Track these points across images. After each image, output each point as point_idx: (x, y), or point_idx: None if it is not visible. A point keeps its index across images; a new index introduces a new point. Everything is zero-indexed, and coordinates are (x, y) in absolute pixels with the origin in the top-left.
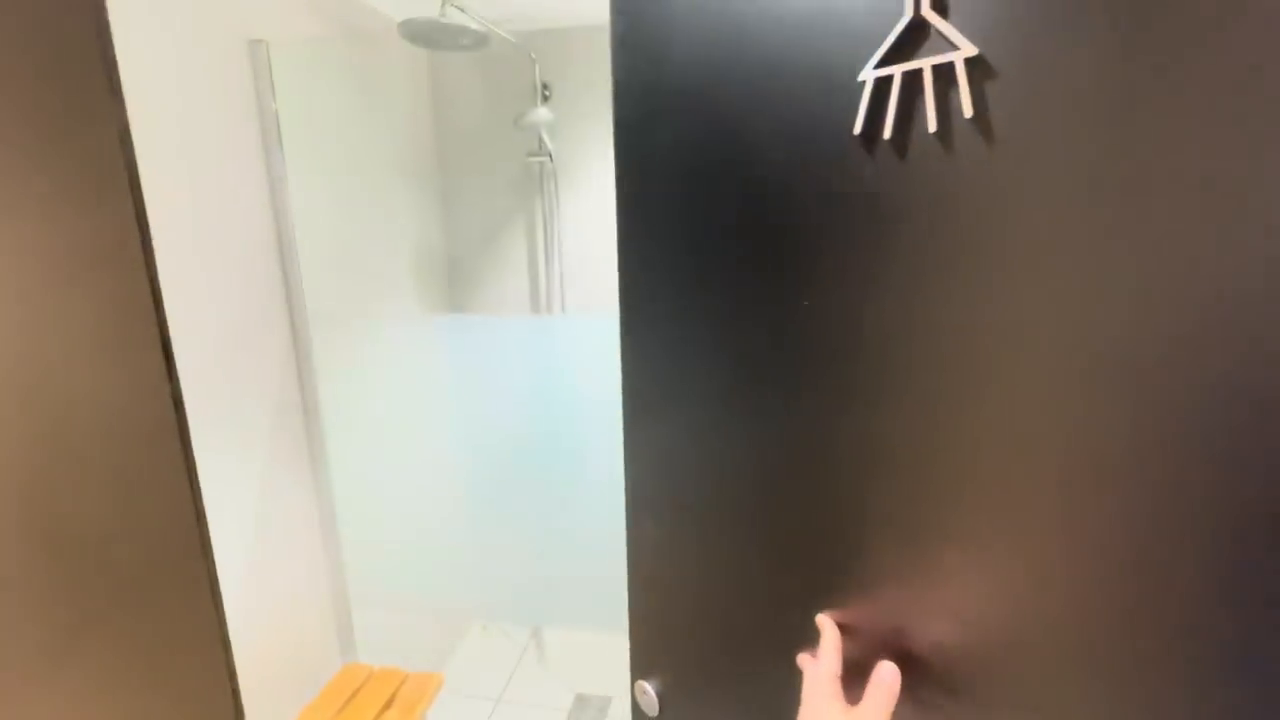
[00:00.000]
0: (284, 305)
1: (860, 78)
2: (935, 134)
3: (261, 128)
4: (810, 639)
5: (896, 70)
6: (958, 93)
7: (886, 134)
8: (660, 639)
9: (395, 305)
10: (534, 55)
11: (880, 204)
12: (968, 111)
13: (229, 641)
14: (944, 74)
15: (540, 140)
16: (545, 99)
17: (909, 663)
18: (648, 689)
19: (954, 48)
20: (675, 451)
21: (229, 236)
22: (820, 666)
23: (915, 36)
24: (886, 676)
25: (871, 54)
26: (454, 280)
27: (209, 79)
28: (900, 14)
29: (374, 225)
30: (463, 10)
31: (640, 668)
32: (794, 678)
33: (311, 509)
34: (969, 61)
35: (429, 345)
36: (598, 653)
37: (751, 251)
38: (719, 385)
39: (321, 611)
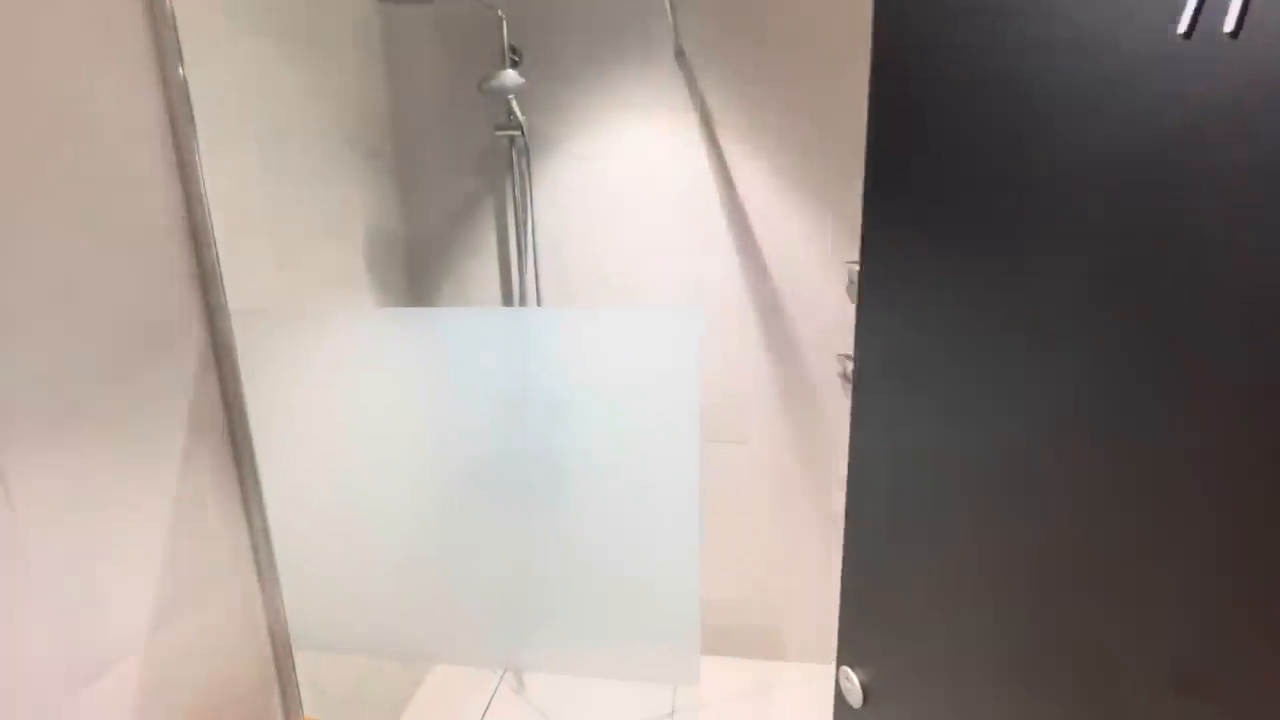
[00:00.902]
0: (199, 302)
1: None
2: None
3: (166, 99)
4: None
5: None
6: None
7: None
8: (872, 629)
9: (345, 298)
10: (502, 13)
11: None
12: None
13: None
14: None
15: (510, 111)
16: (515, 64)
17: None
18: (852, 676)
19: None
20: (913, 433)
21: (126, 227)
22: None
23: None
24: None
25: None
26: (414, 269)
27: (95, 43)
28: None
29: (317, 208)
30: None
31: (847, 654)
32: (1016, 690)
33: (240, 540)
34: None
35: (384, 343)
36: (583, 698)
37: (1049, 197)
38: (978, 365)
39: (256, 661)
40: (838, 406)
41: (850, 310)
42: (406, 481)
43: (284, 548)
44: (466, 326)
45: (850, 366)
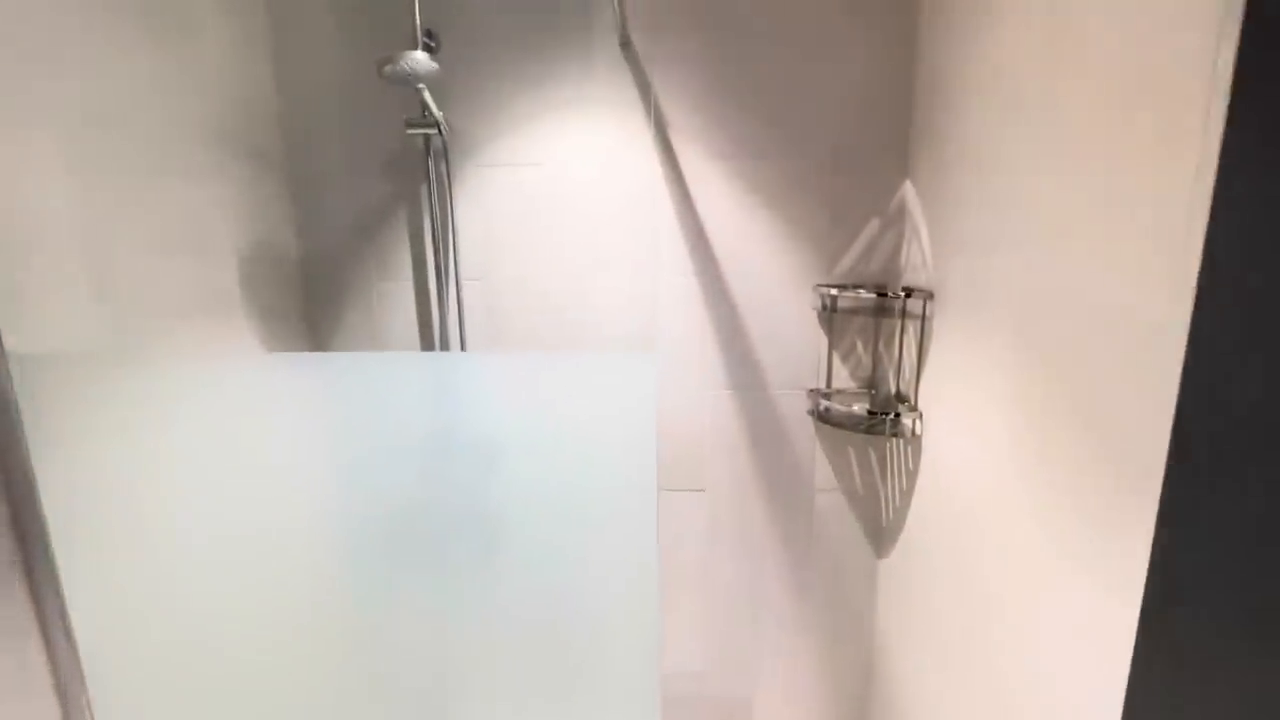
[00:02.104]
0: None
1: None
2: None
3: None
4: None
5: None
6: None
7: None
8: None
9: (211, 334)
10: None
11: None
12: None
13: None
14: None
15: (424, 105)
16: (431, 49)
17: None
18: None
19: None
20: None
21: None
22: None
23: None
24: None
25: None
26: (311, 294)
27: None
28: None
29: (165, 216)
30: None
31: None
32: None
33: (32, 672)
34: None
35: (263, 396)
36: None
37: None
38: None
39: None
40: (806, 448)
41: (821, 339)
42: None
43: (103, 675)
44: (369, 374)
45: (823, 403)
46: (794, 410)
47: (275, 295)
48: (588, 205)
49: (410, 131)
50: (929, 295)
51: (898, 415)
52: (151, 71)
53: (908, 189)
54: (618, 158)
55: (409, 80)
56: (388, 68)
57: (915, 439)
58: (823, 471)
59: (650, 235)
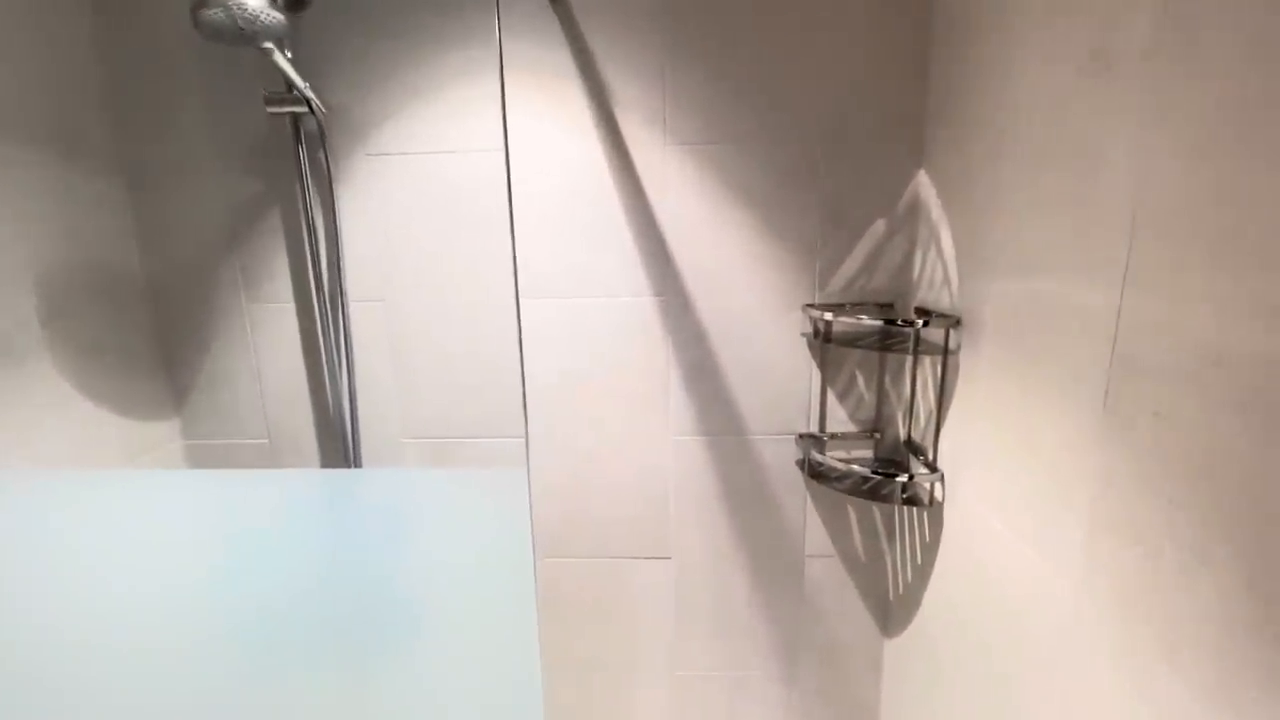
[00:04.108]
0: None
1: None
2: None
3: None
4: None
5: None
6: None
7: None
8: None
9: (16, 397)
10: None
11: None
12: None
13: None
14: None
15: (284, 76)
16: (296, 4)
17: None
18: None
19: None
20: None
21: None
22: None
23: None
24: None
25: None
26: (164, 332)
27: None
28: None
29: None
30: None
31: None
32: None
33: None
34: None
35: (116, 512)
36: None
37: None
38: None
39: None
40: (795, 504)
41: (812, 373)
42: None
43: None
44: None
45: (815, 454)
46: (779, 460)
47: (110, 331)
48: (512, 202)
49: (272, 111)
50: (953, 322)
51: (911, 477)
52: None
53: (921, 181)
54: (549, 141)
55: (243, 36)
56: (206, 14)
57: (935, 505)
58: (815, 533)
59: (594, 241)
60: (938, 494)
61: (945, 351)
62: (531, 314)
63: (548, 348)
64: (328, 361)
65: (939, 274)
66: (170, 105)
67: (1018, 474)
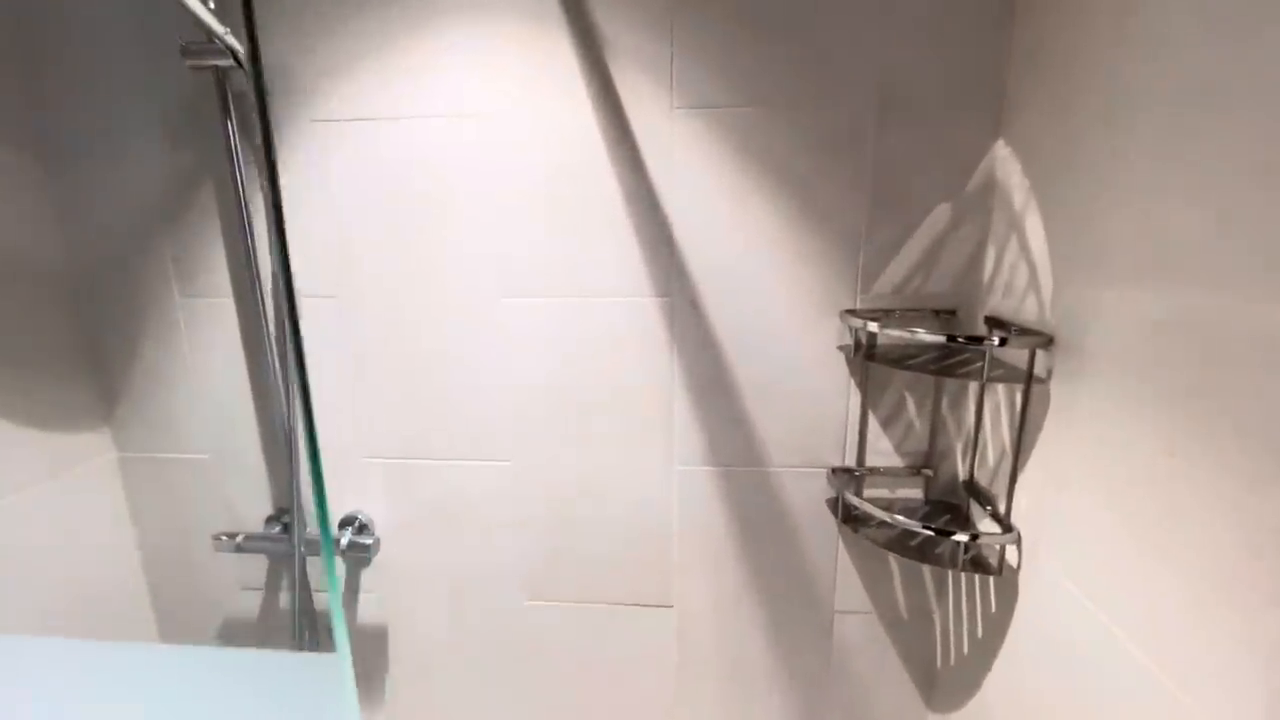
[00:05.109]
0: None
1: None
2: None
3: None
4: None
5: None
6: None
7: None
8: None
9: None
10: None
11: None
12: None
13: None
14: None
15: (199, 20)
16: None
17: None
18: None
19: None
20: None
21: None
22: None
23: None
24: None
25: None
26: (86, 330)
27: None
28: None
29: None
30: None
31: None
32: None
33: None
34: None
35: None
36: None
37: None
38: None
39: None
40: (824, 550)
41: (850, 394)
42: None
43: None
44: None
45: (850, 497)
46: (806, 498)
47: (28, 328)
48: (488, 183)
49: (192, 65)
50: (1044, 340)
51: (975, 537)
52: None
53: (999, 154)
54: (528, 106)
55: None
56: None
57: (1009, 572)
58: (848, 584)
59: (584, 228)
60: (1009, 558)
61: (1029, 378)
62: (510, 315)
63: (529, 357)
64: (274, 367)
65: (1022, 276)
66: (84, 61)
67: (1139, 559)
